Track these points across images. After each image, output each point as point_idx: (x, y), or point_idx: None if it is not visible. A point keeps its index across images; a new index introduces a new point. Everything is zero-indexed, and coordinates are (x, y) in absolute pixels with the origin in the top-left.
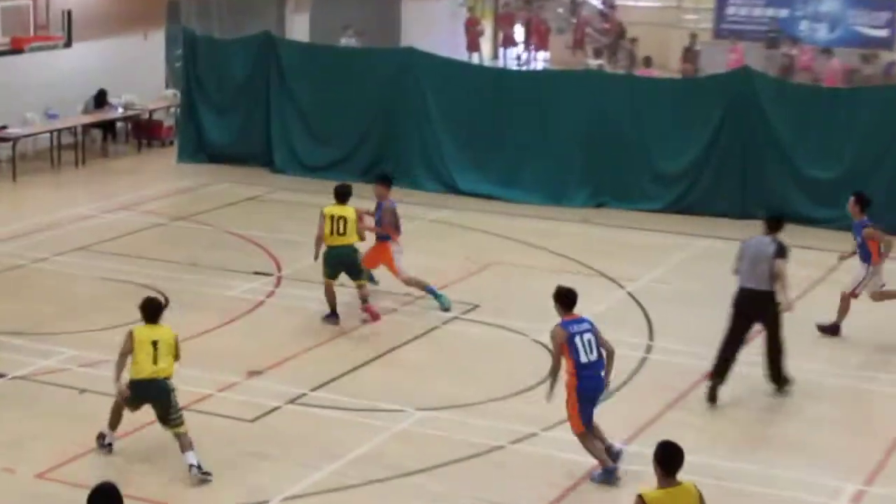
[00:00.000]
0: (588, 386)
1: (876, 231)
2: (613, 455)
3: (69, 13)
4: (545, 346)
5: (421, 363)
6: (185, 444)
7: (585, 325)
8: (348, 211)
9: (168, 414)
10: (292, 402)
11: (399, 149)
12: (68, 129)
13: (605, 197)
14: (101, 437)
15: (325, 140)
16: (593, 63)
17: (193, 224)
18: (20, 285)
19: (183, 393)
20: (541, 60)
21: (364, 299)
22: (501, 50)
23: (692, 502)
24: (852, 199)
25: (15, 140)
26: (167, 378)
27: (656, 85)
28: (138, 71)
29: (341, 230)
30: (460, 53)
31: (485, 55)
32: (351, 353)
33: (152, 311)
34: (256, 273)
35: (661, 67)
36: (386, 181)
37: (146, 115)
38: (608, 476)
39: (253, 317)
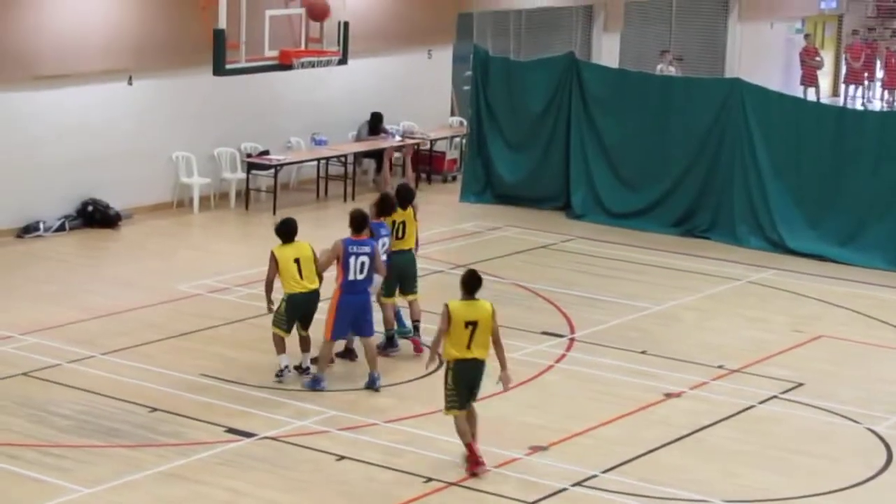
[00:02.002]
0: (349, 301)
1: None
2: (372, 381)
3: (346, 25)
4: (879, 437)
5: (729, 448)
6: (305, 345)
7: (366, 249)
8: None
9: (309, 319)
10: (580, 484)
11: (718, 198)
12: (337, 157)
13: None
14: (289, 371)
15: (633, 183)
16: None
17: None
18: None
19: (457, 466)
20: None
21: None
22: (844, 87)
23: (484, 314)
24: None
25: (277, 168)
26: (316, 290)
27: None
28: (420, 94)
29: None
30: (793, 88)
31: (823, 91)
32: (649, 431)
33: (287, 231)
34: (545, 333)
35: None
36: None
37: (427, 146)
38: (315, 384)
39: (539, 383)
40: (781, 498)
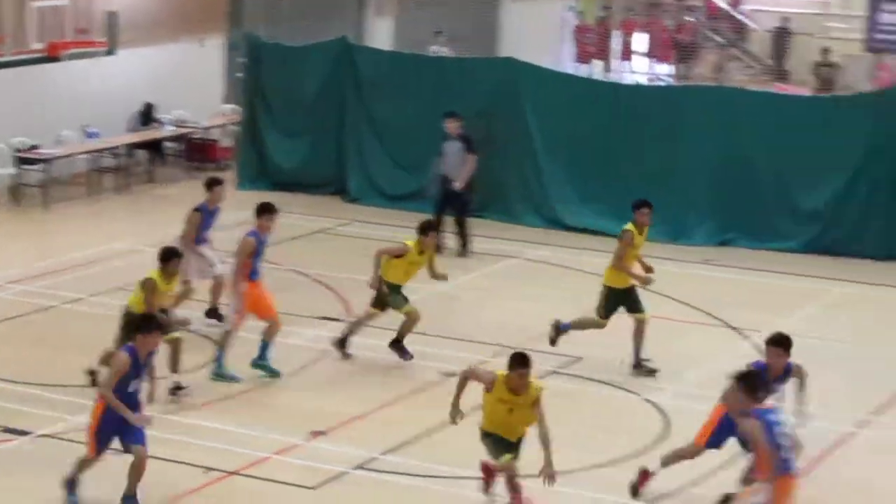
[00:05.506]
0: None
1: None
2: None
3: (114, 15)
4: (657, 406)
5: None
6: None
7: None
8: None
9: None
10: (360, 466)
11: (495, 176)
12: (109, 149)
13: (730, 234)
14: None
15: (409, 165)
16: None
17: None
18: (49, 330)
19: (237, 455)
20: (663, 75)
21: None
22: (616, 62)
23: (529, 400)
24: None
25: (48, 162)
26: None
27: (797, 104)
28: (192, 83)
29: None
30: (568, 65)
31: (596, 68)
32: (428, 412)
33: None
34: (323, 318)
35: (800, 83)
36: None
37: (200, 135)
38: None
39: (318, 369)
40: (564, 471)
